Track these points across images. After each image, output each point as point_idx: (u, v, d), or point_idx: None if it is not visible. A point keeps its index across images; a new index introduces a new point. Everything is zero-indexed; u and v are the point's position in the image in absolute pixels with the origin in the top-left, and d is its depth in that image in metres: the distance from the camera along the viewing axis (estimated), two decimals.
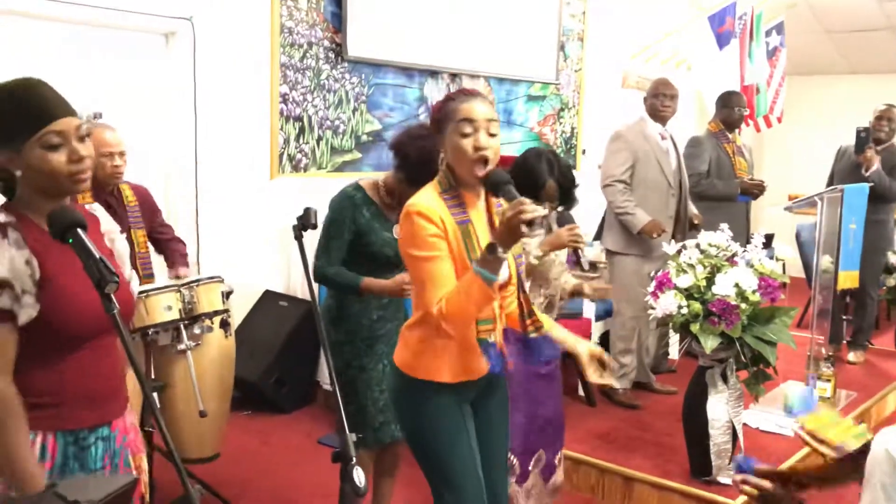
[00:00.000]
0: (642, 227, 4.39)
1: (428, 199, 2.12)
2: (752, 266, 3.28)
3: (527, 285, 2.26)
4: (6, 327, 1.55)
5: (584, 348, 2.28)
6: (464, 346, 2.16)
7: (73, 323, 1.60)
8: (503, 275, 2.16)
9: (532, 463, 3.01)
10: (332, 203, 2.84)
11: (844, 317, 5.63)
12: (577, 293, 3.13)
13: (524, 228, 1.91)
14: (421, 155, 2.64)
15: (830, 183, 5.47)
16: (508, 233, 1.94)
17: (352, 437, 1.86)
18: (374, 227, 2.79)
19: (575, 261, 3.05)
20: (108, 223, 1.86)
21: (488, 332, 2.15)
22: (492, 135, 2.10)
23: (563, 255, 3.09)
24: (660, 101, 4.56)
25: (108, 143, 3.24)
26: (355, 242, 2.79)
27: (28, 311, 1.55)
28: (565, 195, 3.17)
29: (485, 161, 2.09)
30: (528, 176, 3.04)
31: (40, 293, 1.57)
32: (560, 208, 3.20)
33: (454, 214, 2.11)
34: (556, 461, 3.10)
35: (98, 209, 1.88)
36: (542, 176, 3.06)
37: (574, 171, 3.34)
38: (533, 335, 2.24)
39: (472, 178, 2.11)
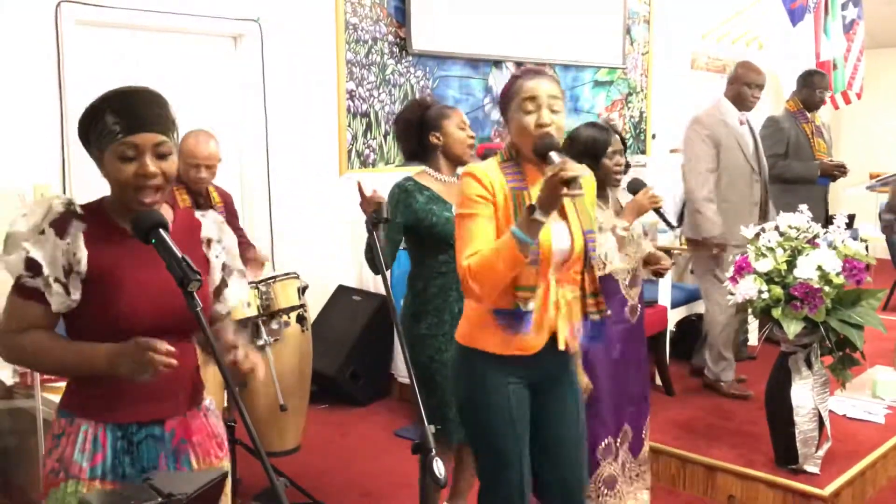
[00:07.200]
0: (712, 236, 4.22)
1: (484, 165, 2.16)
2: (834, 248, 3.17)
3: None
4: (30, 303, 1.64)
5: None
6: None
7: (122, 319, 1.64)
8: (564, 246, 2.13)
9: (619, 438, 2.96)
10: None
11: None
12: (648, 262, 3.02)
13: (564, 189, 1.88)
14: (405, 127, 2.94)
15: None
16: (548, 192, 1.92)
17: (430, 429, 1.87)
18: (431, 209, 2.81)
19: (661, 219, 2.95)
20: (210, 230, 1.86)
21: (525, 300, 2.09)
22: (555, 111, 2.09)
23: (638, 227, 2.98)
24: (751, 92, 4.37)
25: (195, 154, 3.26)
26: (417, 228, 2.82)
27: (59, 298, 1.62)
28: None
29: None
30: (589, 145, 2.85)
31: (89, 287, 1.63)
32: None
33: (510, 181, 2.12)
34: (643, 434, 3.06)
35: (207, 216, 1.89)
36: (602, 136, 2.86)
37: (644, 156, 3.25)
38: (594, 317, 2.20)
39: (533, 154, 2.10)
